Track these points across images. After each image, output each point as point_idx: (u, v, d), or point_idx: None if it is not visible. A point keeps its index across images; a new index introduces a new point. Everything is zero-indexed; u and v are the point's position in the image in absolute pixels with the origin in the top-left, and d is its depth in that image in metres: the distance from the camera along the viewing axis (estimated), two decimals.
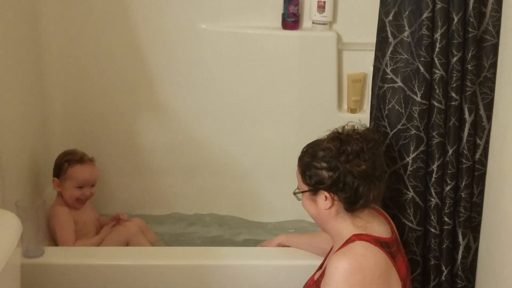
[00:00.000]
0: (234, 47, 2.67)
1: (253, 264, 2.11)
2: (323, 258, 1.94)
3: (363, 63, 2.65)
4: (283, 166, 2.63)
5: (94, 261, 2.08)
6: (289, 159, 2.78)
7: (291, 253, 2.13)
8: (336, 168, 1.70)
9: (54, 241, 2.34)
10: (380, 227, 1.76)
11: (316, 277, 1.81)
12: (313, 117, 2.70)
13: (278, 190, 2.73)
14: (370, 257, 1.66)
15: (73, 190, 2.33)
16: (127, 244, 2.38)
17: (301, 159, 1.80)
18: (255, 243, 2.53)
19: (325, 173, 1.72)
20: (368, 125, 2.05)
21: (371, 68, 2.56)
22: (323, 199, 1.74)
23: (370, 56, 2.50)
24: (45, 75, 2.55)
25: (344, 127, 1.78)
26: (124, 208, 2.66)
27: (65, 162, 2.34)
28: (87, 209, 2.42)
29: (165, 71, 2.67)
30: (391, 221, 1.85)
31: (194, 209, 2.82)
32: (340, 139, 1.73)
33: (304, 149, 1.81)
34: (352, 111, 2.71)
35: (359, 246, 1.68)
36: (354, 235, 1.72)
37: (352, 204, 1.72)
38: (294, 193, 1.82)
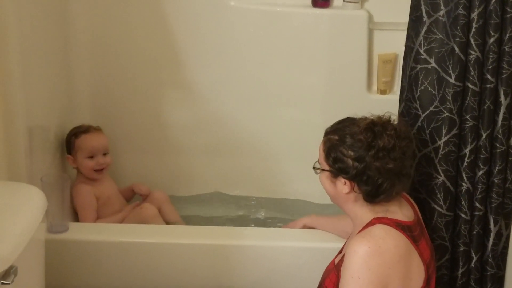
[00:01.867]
0: (262, 25, 2.62)
1: (276, 245, 2.09)
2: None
3: (394, 43, 2.59)
4: (308, 148, 2.52)
5: (118, 238, 2.08)
6: (315, 140, 2.75)
7: (315, 235, 2.10)
8: (363, 160, 1.65)
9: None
10: (402, 211, 1.72)
11: (336, 261, 1.78)
12: (342, 98, 2.66)
13: (302, 172, 2.55)
14: (390, 241, 1.62)
15: (86, 160, 2.33)
16: None
17: (328, 135, 1.74)
18: (278, 223, 2.51)
19: (350, 162, 1.67)
20: (398, 108, 2.02)
21: (403, 49, 2.53)
22: (342, 183, 1.70)
23: (402, 36, 2.47)
24: (71, 53, 2.53)
25: (380, 117, 1.71)
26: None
27: (72, 136, 2.35)
28: (108, 183, 2.42)
29: (192, 48, 2.64)
30: (414, 204, 1.81)
31: (218, 189, 2.80)
32: (373, 132, 1.67)
33: (335, 126, 1.75)
34: (382, 92, 2.67)
35: (379, 229, 1.64)
36: (374, 218, 1.68)
37: (372, 197, 1.69)
38: (314, 168, 1.77)
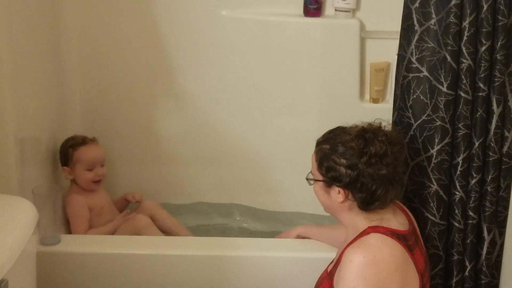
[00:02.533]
0: (254, 34, 2.61)
1: (269, 255, 2.07)
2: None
3: (386, 52, 2.59)
4: (303, 157, 2.52)
5: (111, 250, 2.06)
6: (309, 149, 2.75)
7: (308, 245, 2.09)
8: (356, 167, 1.65)
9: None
10: (396, 220, 1.71)
11: (329, 269, 1.77)
12: (335, 106, 2.64)
13: (297, 181, 2.59)
14: (386, 250, 1.62)
15: (85, 173, 2.31)
16: None
17: (319, 145, 1.74)
18: (273, 234, 2.49)
19: (343, 170, 1.67)
20: (391, 117, 2.01)
21: (395, 57, 2.52)
22: (336, 193, 1.70)
23: (394, 44, 2.45)
24: (63, 62, 2.52)
25: (371, 123, 1.71)
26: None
27: (69, 148, 2.32)
28: (101, 193, 2.41)
29: (185, 58, 2.63)
30: (409, 213, 1.81)
31: (213, 199, 2.78)
32: (364, 139, 1.67)
33: (326, 135, 1.75)
34: (375, 101, 2.65)
35: (374, 239, 1.64)
36: (369, 227, 1.67)
37: (367, 204, 1.68)
38: (307, 179, 1.77)
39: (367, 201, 1.67)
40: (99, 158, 2.35)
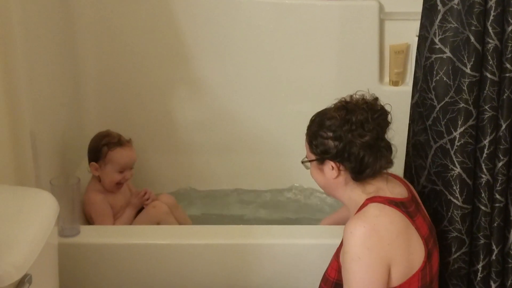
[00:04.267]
0: (271, 18, 2.59)
1: (288, 243, 2.06)
2: None
3: (406, 33, 2.57)
4: None
5: (130, 240, 2.04)
6: None
7: (325, 232, 2.09)
8: (341, 137, 1.68)
9: None
10: (394, 189, 1.73)
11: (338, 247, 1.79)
12: (354, 90, 2.57)
13: None
14: (385, 217, 1.64)
15: (114, 174, 2.27)
16: (157, 224, 2.33)
17: (309, 128, 1.79)
18: (290, 221, 2.49)
19: (331, 143, 1.70)
20: (411, 99, 1.98)
21: (415, 39, 2.49)
22: (330, 169, 1.73)
23: (414, 26, 2.44)
24: (77, 51, 2.50)
25: (352, 96, 1.76)
26: (159, 186, 2.61)
27: (104, 146, 2.26)
28: (122, 194, 2.36)
29: (200, 44, 2.60)
30: (408, 184, 1.83)
31: (231, 186, 2.76)
32: (346, 108, 1.71)
33: (312, 118, 1.79)
34: (394, 83, 2.63)
35: (373, 208, 1.66)
36: (367, 199, 1.69)
37: (358, 173, 1.70)
38: (302, 162, 1.81)
39: (358, 170, 1.69)
40: (132, 163, 2.30)
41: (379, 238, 1.61)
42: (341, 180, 1.73)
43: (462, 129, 1.82)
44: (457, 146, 1.83)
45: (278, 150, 2.74)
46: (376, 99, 1.76)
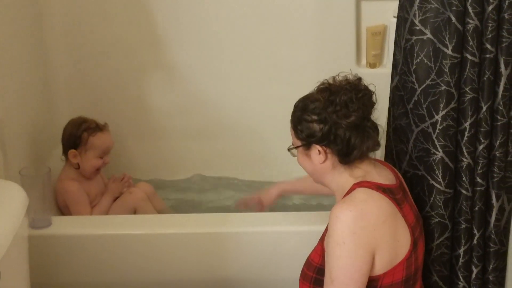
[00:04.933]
0: (248, 0, 2.53)
1: (265, 230, 2.03)
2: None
3: (383, 14, 2.54)
4: None
5: (104, 231, 2.01)
6: None
7: (304, 219, 2.07)
8: (326, 120, 1.65)
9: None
10: (381, 175, 1.70)
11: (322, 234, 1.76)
12: (331, 73, 2.45)
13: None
14: (372, 202, 1.61)
15: (95, 160, 2.24)
16: (134, 212, 2.31)
17: (293, 114, 1.74)
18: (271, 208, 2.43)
19: (315, 126, 1.67)
20: (391, 82, 1.95)
21: (392, 20, 2.46)
22: (317, 154, 1.69)
23: (391, 6, 2.42)
24: (46, 35, 2.43)
25: (335, 77, 1.72)
26: (135, 173, 2.56)
27: (84, 132, 2.22)
28: (96, 180, 2.33)
29: (172, 27, 2.55)
30: (396, 170, 1.80)
31: (207, 172, 2.72)
32: (329, 90, 1.68)
33: (296, 104, 1.75)
34: (372, 66, 2.61)
35: (360, 193, 1.63)
36: (354, 184, 1.66)
37: (345, 156, 1.67)
38: (288, 149, 1.77)
39: (345, 152, 1.66)
40: (112, 146, 2.29)
41: (366, 222, 1.58)
42: (329, 165, 1.69)
43: (444, 112, 1.78)
44: (439, 129, 1.80)
45: (257, 134, 2.71)
46: (360, 79, 1.72)
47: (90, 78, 2.59)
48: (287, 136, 2.63)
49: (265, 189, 2.19)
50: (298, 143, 1.73)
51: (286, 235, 2.02)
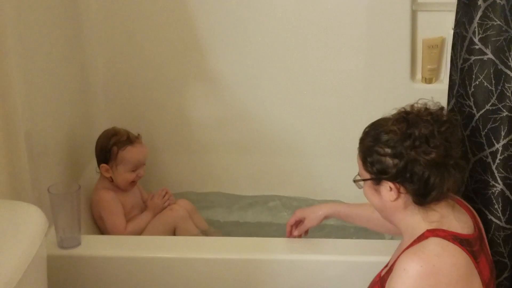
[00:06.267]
0: (293, 7, 2.43)
1: (313, 259, 1.89)
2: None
3: (440, 26, 2.41)
4: (347, 142, 2.44)
5: (135, 253, 1.90)
6: (354, 134, 2.56)
7: (359, 247, 1.93)
8: (401, 155, 1.47)
9: (100, 229, 2.20)
10: (459, 222, 1.51)
11: (382, 274, 1.60)
12: (383, 87, 2.48)
13: (341, 168, 2.43)
14: (447, 258, 1.42)
15: (127, 174, 2.17)
16: (174, 229, 2.22)
17: (362, 141, 1.57)
18: (316, 231, 2.30)
19: (389, 161, 1.49)
20: (446, 100, 1.79)
21: (451, 32, 2.32)
22: (388, 190, 1.52)
23: (449, 17, 2.26)
24: (85, 45, 2.37)
25: (413, 105, 1.54)
26: (173, 187, 2.46)
27: (114, 146, 2.15)
28: (133, 192, 2.26)
29: (216, 36, 2.46)
30: (475, 214, 1.60)
31: (249, 190, 2.62)
32: (407, 120, 1.50)
33: (366, 130, 1.58)
34: (427, 81, 2.47)
35: (434, 244, 1.44)
36: (427, 230, 1.48)
37: (422, 196, 1.49)
38: (354, 181, 1.60)
39: (422, 193, 1.49)
40: (144, 160, 2.20)
41: (436, 281, 1.40)
42: (400, 203, 1.52)
43: (505, 141, 1.63)
44: (499, 159, 1.65)
45: (299, 149, 2.59)
46: (442, 108, 1.55)
47: (130, 88, 2.52)
48: (332, 151, 2.56)
49: (312, 207, 1.98)
50: (367, 175, 1.56)
51: (330, 265, 1.89)
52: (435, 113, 1.51)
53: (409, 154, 1.46)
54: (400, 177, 1.49)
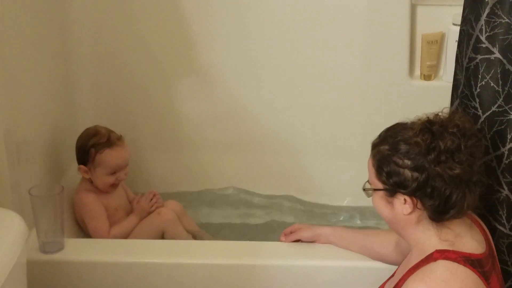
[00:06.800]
0: (290, 1, 2.36)
1: (312, 264, 1.84)
2: None
3: (440, 21, 2.33)
4: (344, 140, 2.45)
5: (121, 258, 1.84)
6: (352, 131, 2.49)
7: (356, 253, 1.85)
8: (423, 168, 1.38)
9: (84, 232, 2.12)
10: (472, 241, 1.43)
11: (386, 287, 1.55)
12: (380, 83, 2.41)
13: (337, 168, 2.48)
14: (456, 283, 1.34)
15: (106, 177, 2.08)
16: (162, 234, 2.14)
17: (376, 147, 1.47)
18: None
19: (408, 173, 1.40)
20: (450, 104, 1.74)
21: (451, 27, 2.33)
22: (401, 203, 1.43)
23: (450, 12, 2.26)
24: (70, 37, 2.29)
25: (437, 114, 1.44)
26: (162, 187, 2.42)
27: (91, 148, 2.06)
28: (117, 192, 2.16)
29: (209, 29, 2.38)
30: (486, 231, 1.53)
31: (241, 188, 2.55)
32: (431, 132, 1.40)
33: (383, 135, 1.48)
34: (426, 78, 2.40)
35: (443, 269, 1.36)
36: (437, 251, 1.40)
37: (440, 214, 1.41)
38: (364, 189, 1.51)
39: (440, 210, 1.40)
40: (124, 163, 2.10)
41: None
42: (413, 218, 1.44)
43: (511, 144, 1.57)
44: (505, 164, 1.60)
45: (297, 147, 2.53)
46: (469, 120, 1.47)
47: (117, 84, 2.44)
48: (329, 148, 2.49)
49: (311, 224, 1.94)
50: (379, 185, 1.46)
51: (326, 270, 1.84)
52: (462, 125, 1.42)
53: (432, 168, 1.38)
54: (420, 192, 1.40)
